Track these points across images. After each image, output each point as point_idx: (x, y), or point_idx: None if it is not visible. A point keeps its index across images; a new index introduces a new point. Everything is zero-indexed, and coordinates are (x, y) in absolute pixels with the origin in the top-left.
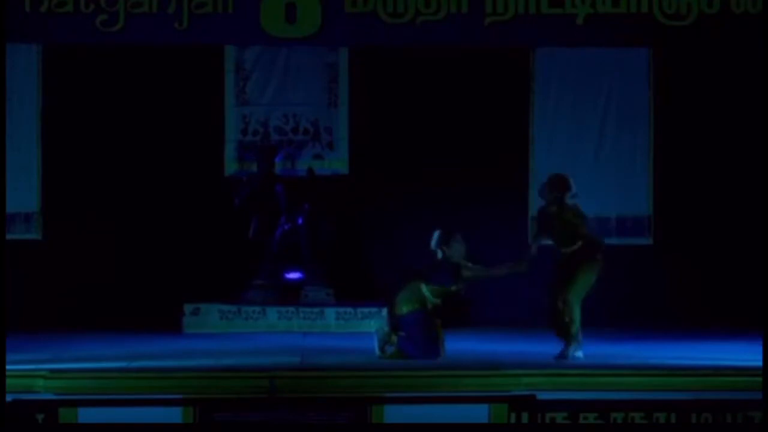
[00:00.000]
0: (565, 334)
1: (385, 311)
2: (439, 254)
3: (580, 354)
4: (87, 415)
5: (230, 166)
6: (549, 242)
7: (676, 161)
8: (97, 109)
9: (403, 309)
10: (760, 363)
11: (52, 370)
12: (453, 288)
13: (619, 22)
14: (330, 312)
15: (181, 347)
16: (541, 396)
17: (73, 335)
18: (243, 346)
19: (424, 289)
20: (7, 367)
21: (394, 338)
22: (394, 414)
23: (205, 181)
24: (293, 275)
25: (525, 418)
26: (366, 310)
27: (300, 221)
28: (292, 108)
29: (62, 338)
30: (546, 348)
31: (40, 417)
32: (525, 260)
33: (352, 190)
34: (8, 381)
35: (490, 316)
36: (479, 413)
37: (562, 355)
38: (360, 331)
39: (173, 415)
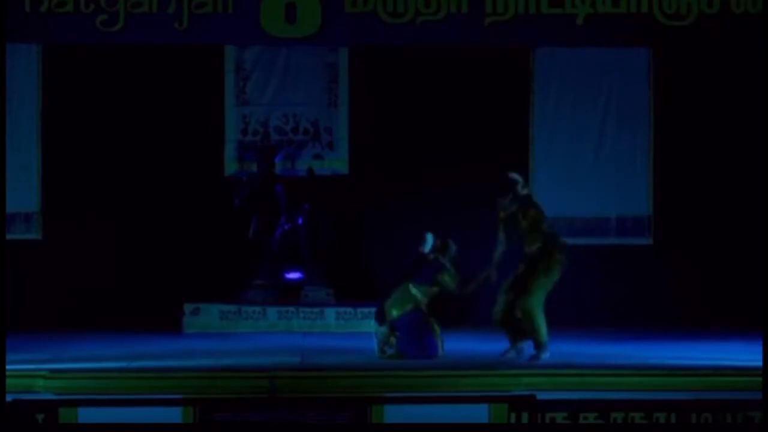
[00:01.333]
0: (518, 334)
1: None
2: (431, 257)
3: (546, 356)
4: (87, 415)
5: (230, 166)
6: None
7: (676, 161)
8: (97, 109)
9: (394, 313)
10: (760, 363)
11: (52, 370)
12: (435, 289)
13: (619, 22)
14: (330, 312)
15: (181, 347)
16: (541, 396)
17: (73, 335)
18: (243, 346)
19: (413, 288)
20: (7, 367)
21: (393, 339)
22: (394, 414)
23: (205, 181)
24: (293, 275)
25: (525, 418)
26: (366, 310)
27: (300, 221)
28: (292, 108)
29: (62, 338)
30: None
31: (40, 417)
32: (490, 271)
33: (352, 190)
34: (8, 381)
35: (490, 316)
36: (479, 413)
37: (535, 357)
38: (360, 331)
39: (173, 415)
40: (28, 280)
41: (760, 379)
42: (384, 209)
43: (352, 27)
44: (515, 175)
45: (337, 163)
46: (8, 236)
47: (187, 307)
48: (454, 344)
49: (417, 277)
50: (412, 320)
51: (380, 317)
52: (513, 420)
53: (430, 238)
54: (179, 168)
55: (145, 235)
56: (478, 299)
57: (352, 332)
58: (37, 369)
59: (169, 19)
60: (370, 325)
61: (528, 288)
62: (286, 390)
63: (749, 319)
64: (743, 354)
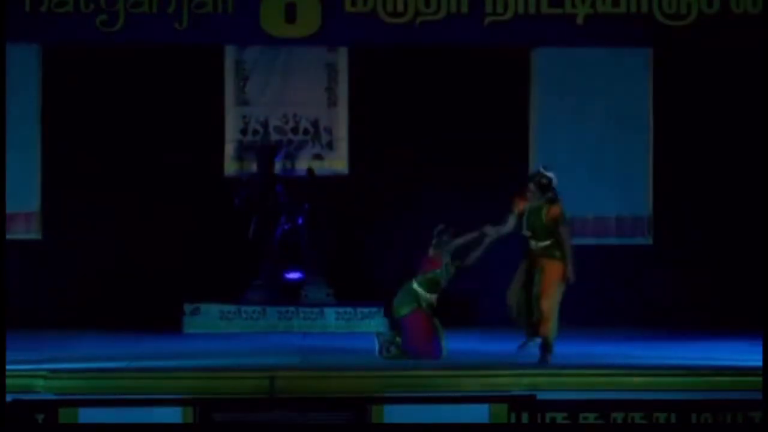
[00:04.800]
0: (534, 333)
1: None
2: (432, 253)
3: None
4: (87, 415)
5: (230, 166)
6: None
7: (676, 161)
8: (97, 109)
9: (401, 311)
10: (760, 363)
11: (52, 370)
12: (438, 272)
13: (619, 22)
14: (330, 312)
15: (181, 347)
16: (541, 396)
17: (73, 335)
18: (243, 346)
19: (415, 285)
20: (7, 367)
21: (399, 339)
22: (394, 414)
23: (205, 181)
24: (293, 275)
25: (525, 418)
26: (366, 310)
27: (300, 221)
28: (292, 108)
29: (62, 338)
30: None
31: (40, 417)
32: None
33: (352, 190)
34: (8, 381)
35: (490, 316)
36: (479, 413)
37: (544, 360)
38: (360, 331)
39: (173, 415)
40: (28, 280)
41: (760, 379)
42: (384, 209)
43: (352, 27)
44: (548, 173)
45: (337, 163)
46: (8, 236)
47: (187, 307)
48: (455, 344)
49: (417, 273)
50: (416, 321)
51: (390, 316)
52: (513, 420)
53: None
54: (179, 168)
55: (145, 235)
56: (479, 299)
57: (352, 332)
58: (37, 369)
59: (169, 19)
60: (370, 325)
61: (549, 290)
62: (286, 390)
63: (749, 319)
64: (743, 354)
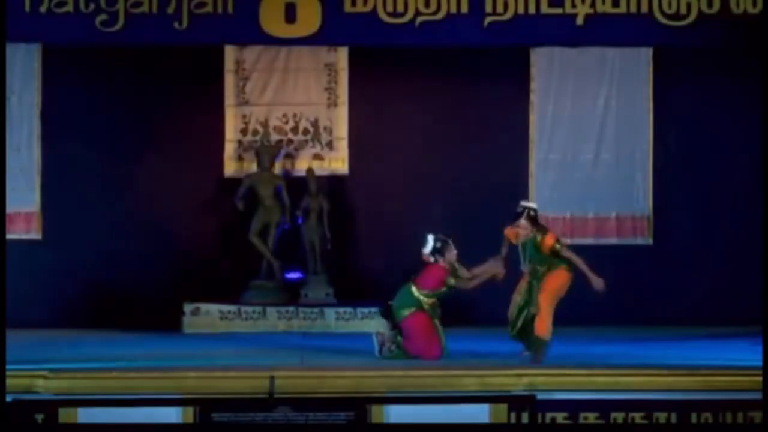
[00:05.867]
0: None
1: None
2: (432, 260)
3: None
4: (87, 415)
5: (230, 166)
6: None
7: (676, 161)
8: (96, 109)
9: (402, 314)
10: (760, 363)
11: (52, 370)
12: (443, 291)
13: (619, 22)
14: (330, 312)
15: (181, 347)
16: (541, 396)
17: (73, 335)
18: (243, 346)
19: (416, 292)
20: (7, 367)
21: (400, 338)
22: (394, 414)
23: (205, 181)
24: (293, 275)
25: (525, 418)
26: (366, 310)
27: (300, 221)
28: (292, 108)
29: (62, 338)
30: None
31: (40, 417)
32: (500, 260)
33: (351, 190)
34: (8, 381)
35: (490, 316)
36: (479, 413)
37: (537, 360)
38: (360, 331)
39: (173, 415)
40: (28, 280)
41: (760, 379)
42: (384, 209)
43: (352, 27)
44: (532, 204)
45: (336, 162)
46: (8, 236)
47: (187, 307)
48: (455, 344)
49: (419, 279)
50: (417, 322)
51: (388, 316)
52: (513, 420)
53: (430, 240)
54: (179, 168)
55: (144, 236)
56: (479, 299)
57: (352, 332)
58: (37, 369)
59: (169, 19)
60: (370, 325)
61: (550, 292)
62: (286, 390)
63: (749, 319)
64: (743, 354)
